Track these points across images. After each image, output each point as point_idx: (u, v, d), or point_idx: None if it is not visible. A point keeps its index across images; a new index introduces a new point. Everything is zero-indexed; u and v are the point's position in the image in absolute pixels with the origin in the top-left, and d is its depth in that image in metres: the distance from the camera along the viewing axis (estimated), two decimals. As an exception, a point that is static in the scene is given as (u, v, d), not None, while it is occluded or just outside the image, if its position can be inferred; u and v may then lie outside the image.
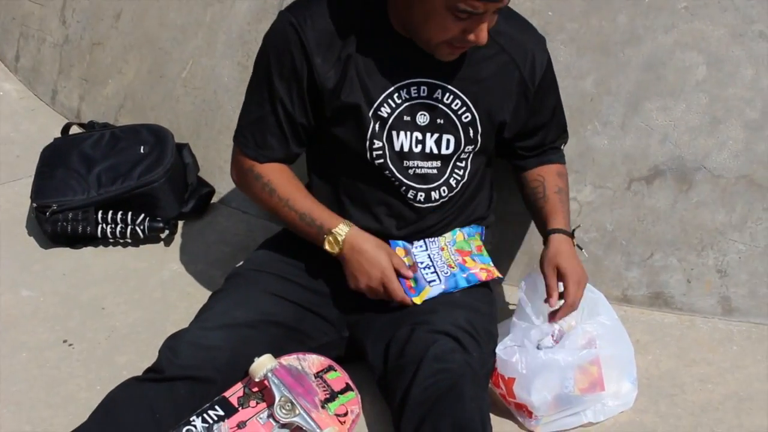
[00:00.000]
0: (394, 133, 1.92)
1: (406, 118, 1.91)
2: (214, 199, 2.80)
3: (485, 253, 2.05)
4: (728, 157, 2.30)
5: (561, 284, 1.95)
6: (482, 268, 1.99)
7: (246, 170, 1.99)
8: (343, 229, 1.91)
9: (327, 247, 1.92)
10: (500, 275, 2.04)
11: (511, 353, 1.90)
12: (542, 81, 2.02)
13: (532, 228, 2.31)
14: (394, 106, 1.90)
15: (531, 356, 1.89)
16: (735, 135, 2.30)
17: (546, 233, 2.04)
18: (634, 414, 2.01)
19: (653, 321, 2.33)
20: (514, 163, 2.18)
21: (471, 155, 2.00)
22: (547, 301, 1.96)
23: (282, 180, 1.98)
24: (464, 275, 1.97)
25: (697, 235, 2.33)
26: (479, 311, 1.95)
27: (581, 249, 2.14)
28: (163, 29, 3.02)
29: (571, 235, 2.04)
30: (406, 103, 1.90)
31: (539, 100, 2.04)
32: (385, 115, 1.90)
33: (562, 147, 2.21)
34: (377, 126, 1.91)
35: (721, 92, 2.31)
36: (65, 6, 3.38)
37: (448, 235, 2.05)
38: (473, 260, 2.01)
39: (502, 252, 2.39)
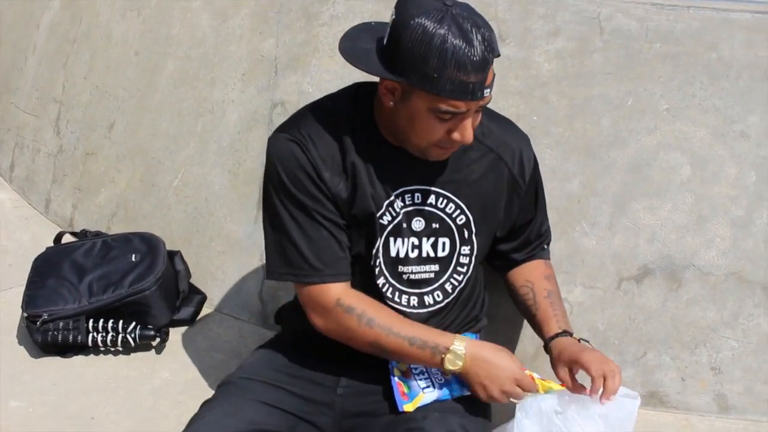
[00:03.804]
0: (391, 239, 1.94)
1: (404, 225, 1.93)
2: (206, 306, 2.79)
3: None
4: (716, 255, 2.32)
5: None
6: (475, 375, 1.98)
7: (332, 306, 1.89)
8: (460, 345, 1.86)
9: (448, 365, 1.85)
10: None
11: None
12: (531, 177, 2.05)
13: (524, 330, 2.30)
14: (394, 214, 1.92)
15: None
16: (722, 233, 2.33)
17: (545, 344, 2.01)
18: None
19: (649, 420, 2.31)
20: (498, 263, 2.18)
21: (472, 259, 2.01)
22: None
23: (374, 306, 1.91)
24: (458, 383, 1.95)
25: (689, 332, 2.33)
26: (473, 416, 1.92)
27: (587, 341, 2.05)
28: (155, 139, 3.06)
29: (570, 333, 2.00)
30: (403, 210, 1.92)
31: (529, 195, 2.07)
32: (385, 222, 1.92)
33: (546, 246, 2.20)
34: (378, 233, 1.93)
35: (706, 191, 2.34)
36: (60, 117, 3.43)
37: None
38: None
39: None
